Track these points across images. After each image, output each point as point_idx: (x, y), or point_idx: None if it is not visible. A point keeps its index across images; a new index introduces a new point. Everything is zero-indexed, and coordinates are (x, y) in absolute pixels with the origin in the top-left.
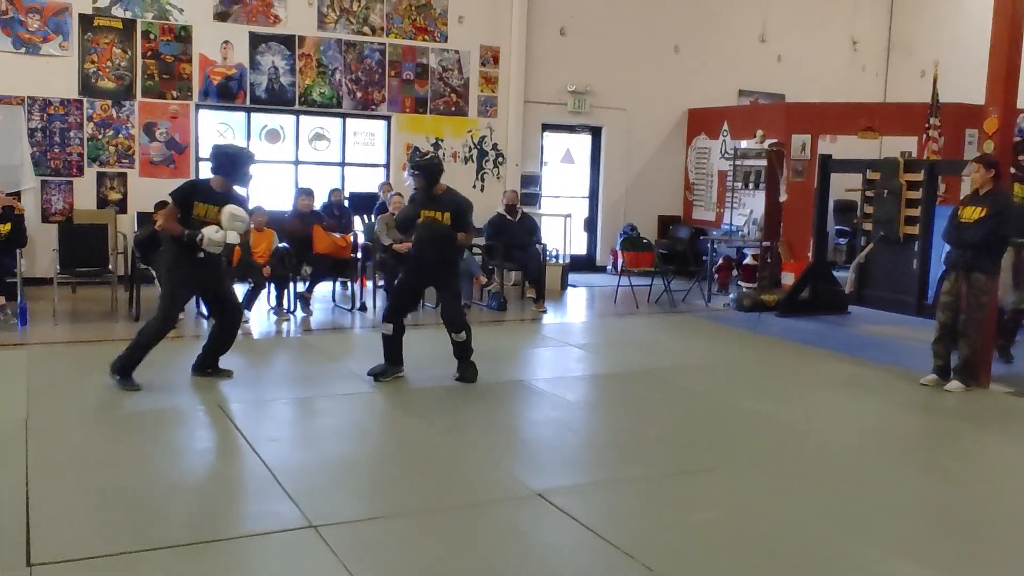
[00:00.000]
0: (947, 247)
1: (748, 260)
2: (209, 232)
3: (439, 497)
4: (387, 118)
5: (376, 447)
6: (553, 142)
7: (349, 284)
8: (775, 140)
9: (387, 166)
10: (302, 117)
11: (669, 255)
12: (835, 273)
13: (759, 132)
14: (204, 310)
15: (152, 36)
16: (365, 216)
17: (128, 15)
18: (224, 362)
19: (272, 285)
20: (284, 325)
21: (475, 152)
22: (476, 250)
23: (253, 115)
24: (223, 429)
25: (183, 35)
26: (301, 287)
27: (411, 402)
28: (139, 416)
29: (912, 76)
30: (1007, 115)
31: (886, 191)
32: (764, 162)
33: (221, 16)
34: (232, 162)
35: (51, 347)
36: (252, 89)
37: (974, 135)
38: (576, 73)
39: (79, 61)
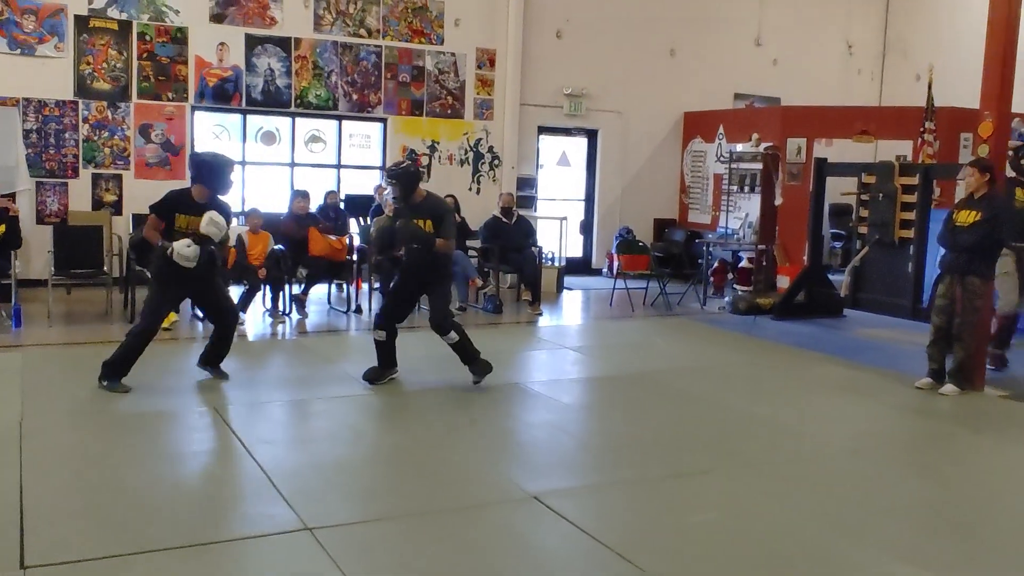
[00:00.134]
0: (942, 251)
1: (744, 263)
2: (179, 246)
3: (434, 499)
4: (383, 120)
5: (371, 449)
6: (549, 145)
7: (344, 286)
8: (771, 143)
9: (383, 168)
10: (298, 119)
11: (665, 258)
12: (830, 276)
13: (755, 135)
14: (199, 312)
15: (148, 38)
16: (361, 218)
17: (124, 16)
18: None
19: (267, 287)
20: (279, 327)
21: (471, 155)
22: (472, 253)
23: (249, 117)
24: (218, 431)
25: (179, 37)
26: (296, 289)
27: (406, 404)
28: (134, 418)
29: (907, 80)
30: (1002, 119)
31: (881, 195)
32: (760, 165)
33: (217, 18)
34: (211, 170)
35: (45, 349)
36: (248, 91)
37: (969, 139)
38: (572, 76)
39: (75, 62)
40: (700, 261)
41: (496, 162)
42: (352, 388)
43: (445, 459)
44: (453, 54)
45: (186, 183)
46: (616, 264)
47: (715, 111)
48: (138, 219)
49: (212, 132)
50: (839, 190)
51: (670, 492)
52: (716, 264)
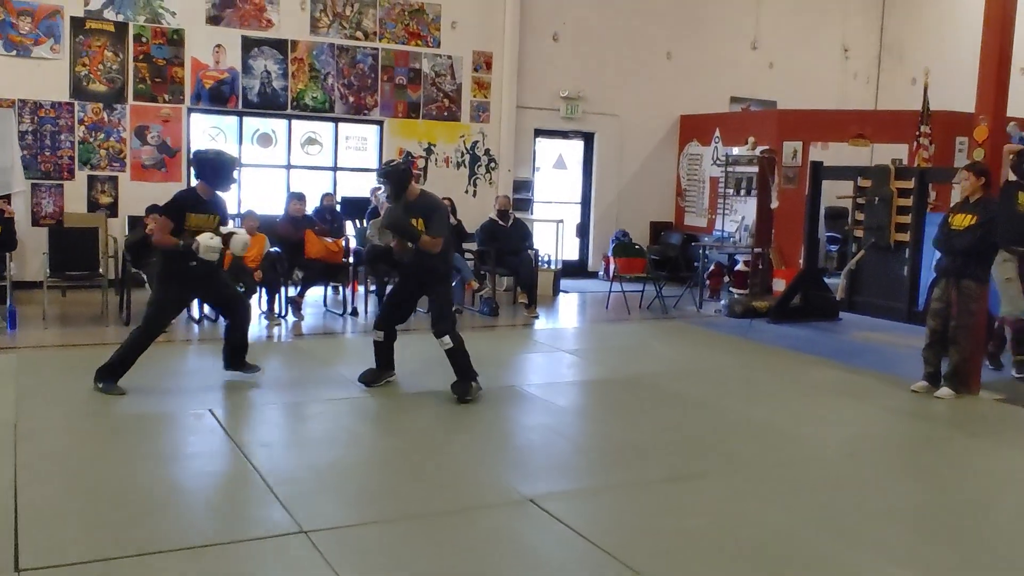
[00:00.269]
0: (937, 254)
1: (739, 266)
2: (204, 239)
3: (430, 502)
4: (379, 123)
5: (368, 452)
6: (545, 148)
7: (341, 289)
8: (767, 147)
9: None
10: (294, 121)
11: (661, 261)
12: (826, 280)
13: (751, 139)
14: (195, 314)
15: (144, 39)
16: (357, 221)
17: (120, 18)
18: (215, 367)
19: (263, 289)
20: (275, 330)
21: (467, 157)
22: (468, 255)
23: (245, 119)
24: (214, 434)
25: (175, 39)
26: (292, 291)
27: (403, 407)
28: (129, 420)
29: (903, 84)
30: (997, 123)
31: (877, 198)
32: (756, 169)
33: (213, 20)
34: (213, 168)
35: (41, 351)
36: (244, 93)
37: (964, 143)
38: (569, 79)
39: (70, 64)
40: (696, 264)
41: (492, 165)
42: (348, 391)
43: (441, 462)
44: (450, 57)
45: (182, 185)
46: (612, 267)
47: (711, 114)
48: (133, 221)
49: (208, 134)
50: (835, 193)
51: (666, 495)
52: (712, 267)
